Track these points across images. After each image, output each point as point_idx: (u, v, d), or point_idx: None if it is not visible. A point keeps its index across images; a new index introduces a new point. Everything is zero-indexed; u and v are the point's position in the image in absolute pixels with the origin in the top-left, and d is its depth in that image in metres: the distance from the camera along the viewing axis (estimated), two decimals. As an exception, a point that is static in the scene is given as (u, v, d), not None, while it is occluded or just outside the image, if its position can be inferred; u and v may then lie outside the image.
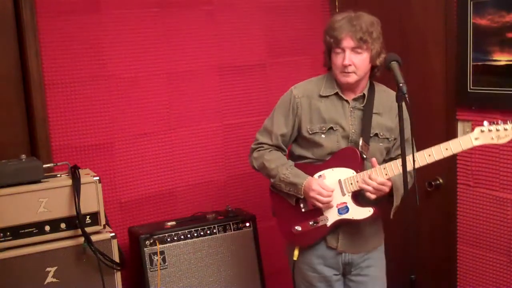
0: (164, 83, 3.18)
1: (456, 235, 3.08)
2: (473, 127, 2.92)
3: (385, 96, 2.49)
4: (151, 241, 2.92)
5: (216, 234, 3.06)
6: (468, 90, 2.89)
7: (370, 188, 2.30)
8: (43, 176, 2.49)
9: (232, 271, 3.09)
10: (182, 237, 2.98)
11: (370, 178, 2.30)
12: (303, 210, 2.46)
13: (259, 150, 2.55)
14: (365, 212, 2.38)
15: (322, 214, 2.43)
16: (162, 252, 2.93)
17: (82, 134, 2.99)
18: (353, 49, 2.34)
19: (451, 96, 2.97)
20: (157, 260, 2.91)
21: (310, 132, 2.44)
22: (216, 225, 3.07)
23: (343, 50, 2.35)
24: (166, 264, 2.94)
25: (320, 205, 2.39)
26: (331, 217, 2.41)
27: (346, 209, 2.39)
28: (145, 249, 2.91)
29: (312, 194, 2.37)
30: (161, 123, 3.20)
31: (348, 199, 2.39)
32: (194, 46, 3.25)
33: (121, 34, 3.03)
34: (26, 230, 2.42)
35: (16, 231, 2.41)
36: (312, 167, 2.44)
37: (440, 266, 3.15)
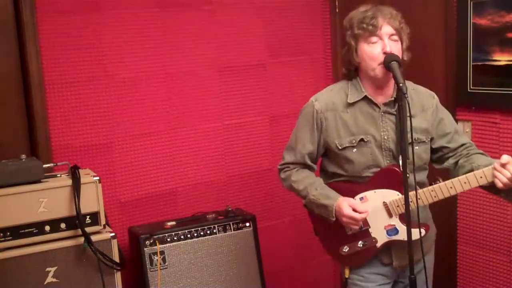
0: (164, 83, 3.18)
1: (456, 235, 3.08)
2: (473, 127, 2.92)
3: (415, 95, 2.29)
4: (151, 241, 2.92)
5: (216, 234, 3.06)
6: (468, 90, 2.89)
7: (504, 179, 2.01)
8: (43, 176, 2.49)
9: (232, 271, 3.09)
10: (182, 237, 2.98)
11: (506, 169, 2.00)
12: (348, 233, 2.30)
13: (285, 171, 2.40)
14: (415, 233, 2.16)
15: (369, 235, 2.27)
16: (162, 252, 2.93)
17: (82, 134, 2.99)
18: (390, 36, 2.17)
19: (451, 96, 2.97)
20: (157, 260, 2.91)
21: (340, 148, 2.26)
22: (216, 225, 3.07)
23: (381, 38, 2.16)
24: (166, 264, 2.94)
25: (353, 230, 2.25)
26: (380, 238, 2.27)
27: (396, 230, 2.24)
28: (145, 249, 2.90)
29: (344, 220, 2.20)
30: (161, 123, 3.20)
31: (396, 221, 2.24)
32: (194, 46, 3.25)
33: (121, 34, 3.03)
34: (26, 230, 2.42)
35: (16, 231, 2.40)
36: (350, 188, 2.27)
37: (440, 266, 3.15)
